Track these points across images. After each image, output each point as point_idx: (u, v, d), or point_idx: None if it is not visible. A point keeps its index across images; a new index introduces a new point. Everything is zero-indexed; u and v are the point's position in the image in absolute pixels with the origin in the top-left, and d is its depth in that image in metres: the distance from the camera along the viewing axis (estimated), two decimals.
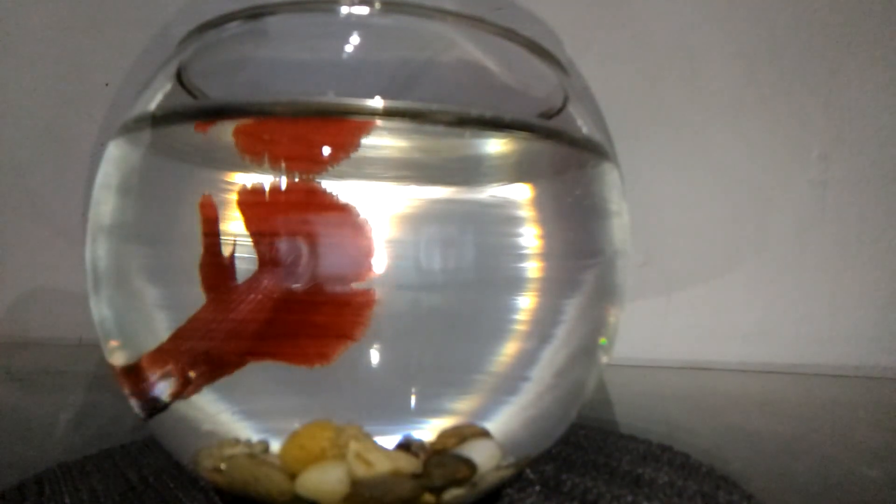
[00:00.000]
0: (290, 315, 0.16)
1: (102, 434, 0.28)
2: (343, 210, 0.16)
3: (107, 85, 0.45)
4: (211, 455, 0.18)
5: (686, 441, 0.27)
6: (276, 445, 0.17)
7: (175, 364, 0.17)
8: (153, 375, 0.17)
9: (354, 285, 0.16)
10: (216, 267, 0.17)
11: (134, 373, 0.18)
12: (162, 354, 0.17)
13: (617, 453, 0.25)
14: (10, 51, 0.46)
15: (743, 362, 0.45)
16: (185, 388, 0.17)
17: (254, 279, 0.16)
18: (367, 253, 0.16)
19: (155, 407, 0.18)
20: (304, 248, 0.16)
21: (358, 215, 0.16)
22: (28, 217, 0.47)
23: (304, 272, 0.16)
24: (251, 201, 0.16)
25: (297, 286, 0.16)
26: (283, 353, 0.17)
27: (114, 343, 0.19)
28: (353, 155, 0.17)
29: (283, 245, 0.16)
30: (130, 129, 0.19)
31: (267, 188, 0.16)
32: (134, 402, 0.18)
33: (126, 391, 0.19)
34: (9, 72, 0.46)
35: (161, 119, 0.18)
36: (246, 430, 0.17)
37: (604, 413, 0.33)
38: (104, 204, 0.18)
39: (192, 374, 0.17)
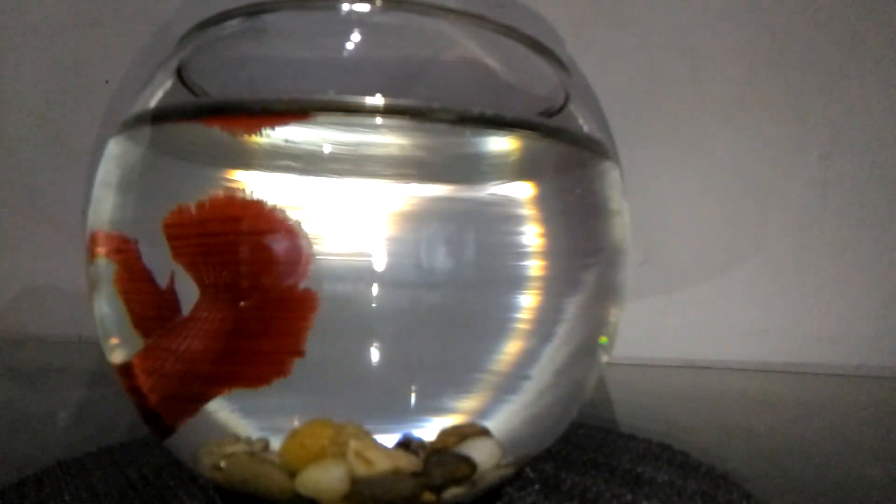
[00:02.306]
0: (240, 337, 0.16)
1: (102, 431, 0.28)
2: (272, 217, 0.16)
3: (107, 82, 0.45)
4: (211, 453, 0.18)
5: (685, 440, 0.27)
6: (276, 443, 0.17)
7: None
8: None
9: (296, 289, 0.16)
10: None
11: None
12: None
13: (616, 452, 0.25)
14: (9, 47, 0.46)
15: (743, 361, 0.45)
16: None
17: (197, 307, 0.16)
18: (300, 256, 0.16)
19: (164, 430, 0.18)
20: (244, 264, 0.16)
21: (287, 219, 0.16)
22: (28, 214, 0.47)
23: (247, 288, 0.16)
24: (179, 233, 0.16)
25: (243, 304, 0.16)
26: (241, 379, 0.17)
27: (114, 341, 0.19)
28: (355, 153, 0.17)
29: (220, 265, 0.16)
30: (131, 126, 0.19)
31: (190, 208, 0.16)
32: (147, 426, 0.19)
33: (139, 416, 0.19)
34: (8, 68, 0.46)
35: (161, 116, 0.18)
36: (246, 428, 0.17)
37: (603, 412, 0.33)
38: (104, 201, 0.18)
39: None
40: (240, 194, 0.16)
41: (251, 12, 0.19)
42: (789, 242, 0.44)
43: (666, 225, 0.44)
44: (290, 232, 0.16)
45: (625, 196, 0.21)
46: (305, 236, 0.16)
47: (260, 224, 0.16)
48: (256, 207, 0.16)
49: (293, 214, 0.16)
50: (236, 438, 0.17)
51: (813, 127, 0.43)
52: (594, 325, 0.20)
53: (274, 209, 0.16)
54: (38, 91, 0.46)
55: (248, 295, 0.16)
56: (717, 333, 0.45)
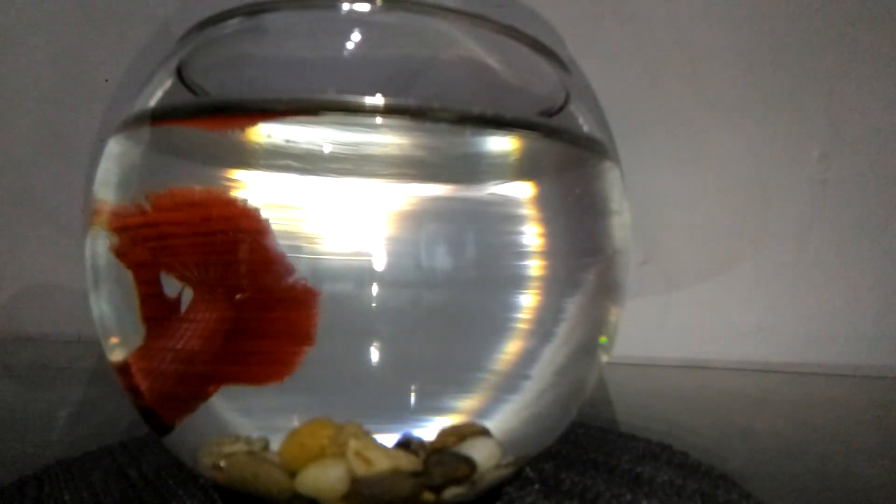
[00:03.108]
0: (240, 335, 0.16)
1: (102, 431, 0.28)
2: (245, 210, 0.16)
3: (106, 81, 0.45)
4: (211, 452, 0.18)
5: (685, 440, 0.27)
6: (275, 443, 0.17)
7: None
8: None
9: (293, 284, 0.16)
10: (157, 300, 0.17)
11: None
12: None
13: (616, 452, 0.25)
14: (9, 46, 0.46)
15: (742, 361, 0.45)
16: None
17: (192, 307, 0.16)
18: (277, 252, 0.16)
19: (163, 428, 0.18)
20: (230, 261, 0.16)
21: (259, 213, 0.16)
22: (27, 213, 0.46)
23: (238, 284, 0.16)
24: (146, 234, 0.16)
25: (238, 297, 0.16)
26: (243, 375, 0.17)
27: (113, 340, 0.19)
28: (355, 152, 0.17)
29: (207, 263, 0.16)
30: (130, 125, 0.19)
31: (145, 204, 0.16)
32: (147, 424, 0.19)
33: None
34: (8, 67, 0.46)
35: (161, 116, 0.18)
36: (246, 428, 0.17)
37: (603, 411, 0.33)
38: (104, 200, 0.18)
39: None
40: (194, 189, 0.16)
41: (251, 12, 0.19)
42: (789, 242, 0.44)
43: (666, 224, 0.44)
44: (265, 230, 0.16)
45: (625, 195, 0.21)
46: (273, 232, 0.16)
47: (236, 219, 0.16)
48: (219, 199, 0.16)
49: (291, 214, 0.16)
50: (236, 438, 0.17)
51: (813, 126, 0.43)
52: (594, 325, 0.20)
53: (244, 203, 0.16)
54: (38, 89, 0.46)
55: (241, 290, 0.16)
56: (716, 333, 0.45)
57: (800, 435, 0.31)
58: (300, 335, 0.16)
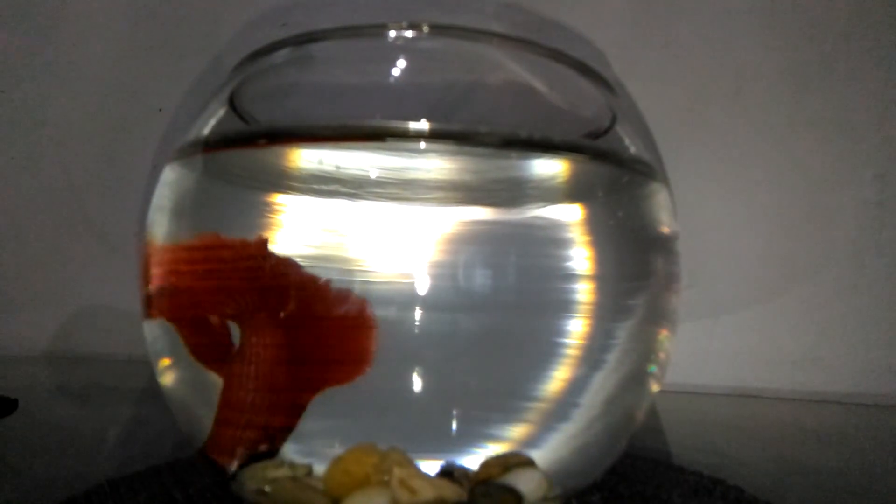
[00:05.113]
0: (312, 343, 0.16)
1: (150, 451, 0.29)
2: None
3: (160, 110, 0.47)
4: (255, 477, 0.18)
5: (739, 473, 0.26)
6: (319, 469, 0.17)
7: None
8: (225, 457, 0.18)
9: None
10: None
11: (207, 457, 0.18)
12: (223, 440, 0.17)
13: (667, 485, 0.24)
14: (71, 78, 0.48)
15: (795, 391, 0.42)
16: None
17: (248, 341, 0.16)
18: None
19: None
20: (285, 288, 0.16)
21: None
22: (84, 236, 0.48)
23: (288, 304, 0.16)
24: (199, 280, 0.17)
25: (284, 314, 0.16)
26: (327, 378, 0.17)
27: (164, 362, 0.19)
28: (401, 177, 0.17)
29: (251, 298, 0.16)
30: (185, 153, 0.19)
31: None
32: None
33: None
34: (70, 98, 0.48)
35: (213, 143, 0.19)
36: (290, 452, 0.17)
37: (650, 441, 0.32)
38: (159, 225, 0.19)
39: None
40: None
41: (300, 42, 0.20)
42: (843, 265, 0.42)
43: (713, 248, 0.43)
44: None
45: (675, 217, 0.21)
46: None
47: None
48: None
49: (338, 238, 0.16)
50: (280, 463, 0.17)
51: (867, 146, 0.42)
52: (644, 351, 0.19)
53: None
54: (96, 119, 0.48)
55: (287, 310, 0.16)
56: (766, 360, 0.43)
57: (860, 469, 0.29)
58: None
